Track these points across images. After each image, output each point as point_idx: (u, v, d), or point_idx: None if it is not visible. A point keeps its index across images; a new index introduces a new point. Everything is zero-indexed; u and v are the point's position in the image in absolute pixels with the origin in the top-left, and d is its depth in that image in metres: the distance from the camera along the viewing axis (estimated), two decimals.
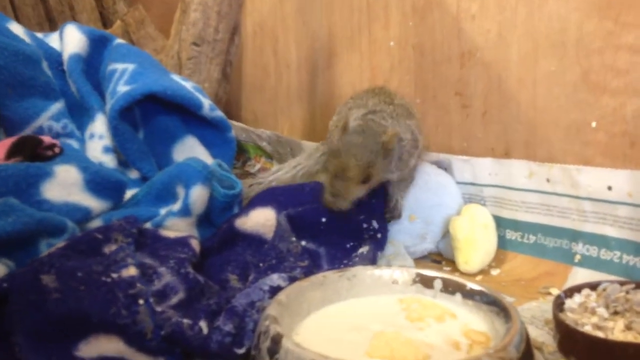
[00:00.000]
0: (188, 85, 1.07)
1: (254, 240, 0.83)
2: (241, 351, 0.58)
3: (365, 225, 0.84)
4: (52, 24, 1.46)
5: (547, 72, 0.90)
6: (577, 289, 0.67)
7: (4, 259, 0.65)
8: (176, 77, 1.08)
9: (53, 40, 1.09)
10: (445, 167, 0.99)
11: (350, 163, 0.77)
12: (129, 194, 0.88)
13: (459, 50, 1.03)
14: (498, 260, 0.90)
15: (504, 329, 0.55)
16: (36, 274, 0.59)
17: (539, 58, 0.91)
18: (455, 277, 0.65)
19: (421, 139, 0.89)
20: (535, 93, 0.92)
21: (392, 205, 0.89)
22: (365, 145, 0.78)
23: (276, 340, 0.52)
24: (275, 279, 0.66)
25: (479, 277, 0.85)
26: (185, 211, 0.80)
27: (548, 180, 0.87)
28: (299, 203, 0.86)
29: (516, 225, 0.91)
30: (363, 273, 0.67)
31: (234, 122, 1.09)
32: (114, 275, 0.61)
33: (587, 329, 0.60)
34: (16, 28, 1.02)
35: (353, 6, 1.26)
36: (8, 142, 0.83)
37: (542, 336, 0.66)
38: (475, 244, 0.86)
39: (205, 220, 0.85)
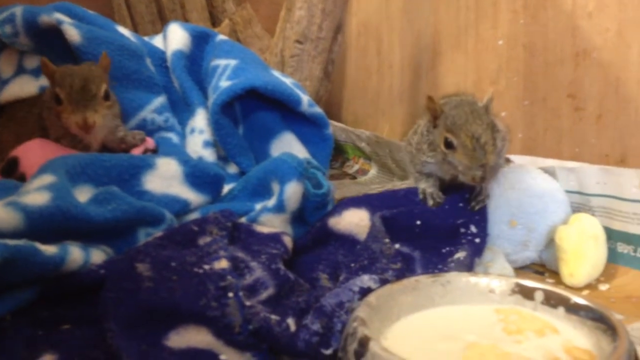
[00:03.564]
0: (287, 81, 1.08)
1: (346, 240, 0.82)
2: (328, 352, 0.57)
3: (462, 230, 0.81)
4: (164, 22, 1.51)
5: None
6: None
7: (103, 246, 0.68)
8: (276, 73, 1.10)
9: (157, 41, 1.15)
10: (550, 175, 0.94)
11: (480, 129, 0.72)
12: (227, 188, 0.89)
13: (573, 50, 0.98)
14: (607, 274, 0.84)
15: (611, 347, 0.51)
16: (132, 262, 0.61)
17: None
18: (558, 290, 0.61)
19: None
20: None
21: (477, 190, 0.82)
22: (478, 112, 0.74)
23: (363, 343, 0.51)
24: (365, 280, 0.64)
25: (585, 292, 0.80)
26: (279, 207, 0.80)
27: None
28: (393, 206, 0.84)
29: (629, 238, 0.85)
30: (458, 280, 0.64)
31: (333, 122, 1.09)
32: (206, 267, 0.62)
33: None
34: (122, 29, 1.08)
35: (460, 4, 1.23)
36: None
37: None
38: (583, 256, 0.81)
39: (299, 218, 0.85)
